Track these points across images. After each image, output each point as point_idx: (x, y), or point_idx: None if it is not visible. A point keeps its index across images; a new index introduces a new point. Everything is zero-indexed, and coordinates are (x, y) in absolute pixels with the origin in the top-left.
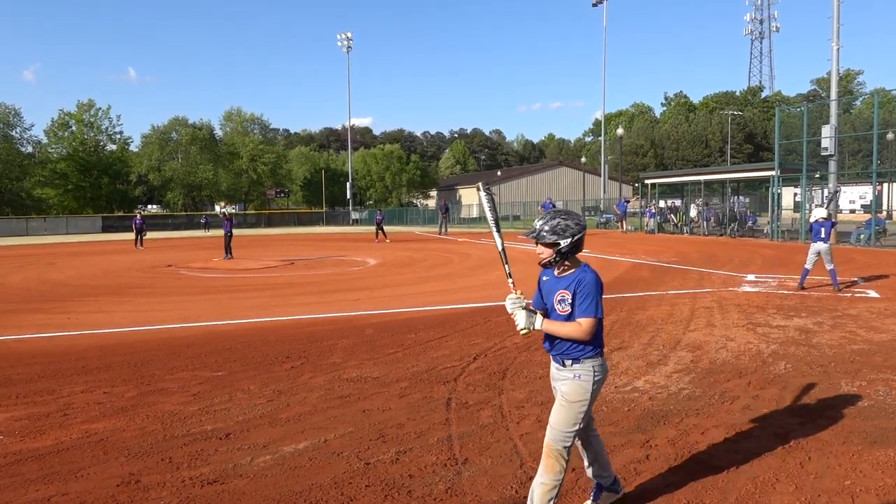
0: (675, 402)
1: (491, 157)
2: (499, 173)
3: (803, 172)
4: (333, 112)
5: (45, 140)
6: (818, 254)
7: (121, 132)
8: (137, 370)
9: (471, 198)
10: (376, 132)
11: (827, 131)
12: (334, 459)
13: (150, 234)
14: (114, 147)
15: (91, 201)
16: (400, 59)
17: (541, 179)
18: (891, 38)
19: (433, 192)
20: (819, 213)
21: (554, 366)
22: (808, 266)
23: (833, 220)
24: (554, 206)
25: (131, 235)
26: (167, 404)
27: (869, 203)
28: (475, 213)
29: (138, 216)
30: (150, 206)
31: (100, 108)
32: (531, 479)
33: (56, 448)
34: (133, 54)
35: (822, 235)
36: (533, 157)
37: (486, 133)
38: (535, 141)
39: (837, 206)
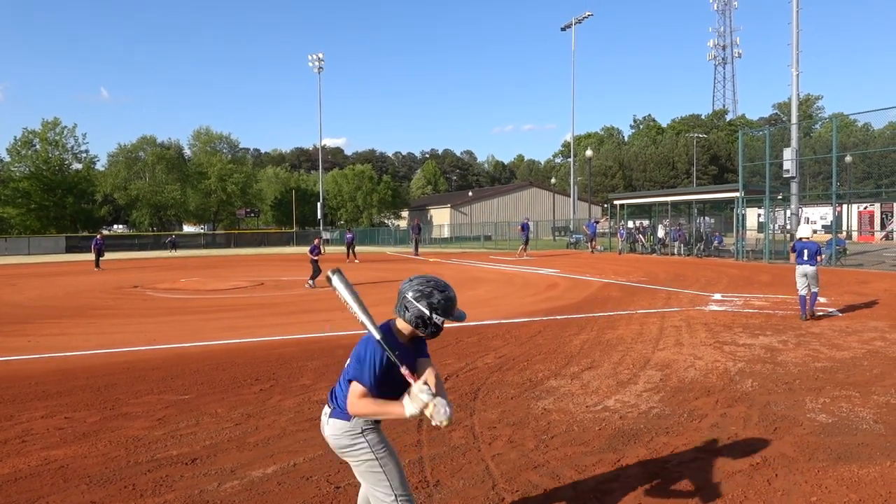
0: (645, 420)
1: (462, 178)
2: (470, 194)
3: (766, 194)
4: (305, 132)
5: (7, 158)
6: (805, 276)
7: (86, 150)
8: (100, 394)
9: (442, 218)
10: (349, 152)
11: (788, 154)
12: (304, 484)
13: (116, 255)
14: (79, 166)
15: (55, 221)
16: (374, 80)
17: (512, 200)
18: (848, 64)
19: (405, 213)
20: (803, 232)
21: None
22: (802, 293)
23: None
24: (529, 226)
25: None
26: (131, 429)
27: (829, 223)
28: (446, 234)
29: (98, 236)
30: (115, 226)
31: (65, 127)
32: (503, 500)
33: (14, 476)
34: (106, 74)
35: (806, 258)
36: (504, 177)
37: (458, 154)
38: (506, 162)
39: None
